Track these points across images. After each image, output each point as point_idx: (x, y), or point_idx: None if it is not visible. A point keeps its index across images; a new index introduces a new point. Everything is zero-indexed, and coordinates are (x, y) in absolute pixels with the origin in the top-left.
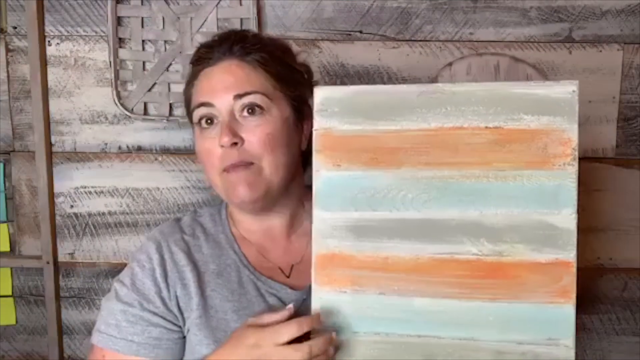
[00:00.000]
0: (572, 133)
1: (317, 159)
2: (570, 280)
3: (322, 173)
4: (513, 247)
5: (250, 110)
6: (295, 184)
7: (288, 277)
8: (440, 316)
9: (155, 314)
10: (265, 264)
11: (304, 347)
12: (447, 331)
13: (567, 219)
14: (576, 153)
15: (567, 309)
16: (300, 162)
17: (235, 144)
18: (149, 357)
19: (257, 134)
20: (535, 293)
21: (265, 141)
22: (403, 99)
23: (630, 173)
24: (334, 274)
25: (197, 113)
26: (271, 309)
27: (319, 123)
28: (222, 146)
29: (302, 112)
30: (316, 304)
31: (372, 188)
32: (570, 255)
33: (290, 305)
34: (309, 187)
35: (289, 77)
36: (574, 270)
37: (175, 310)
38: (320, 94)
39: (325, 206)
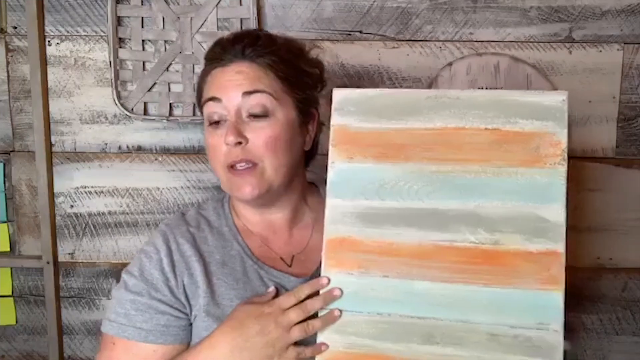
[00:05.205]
0: (562, 136)
1: (332, 152)
2: (559, 269)
3: (336, 165)
4: (507, 237)
5: (255, 116)
6: (296, 181)
7: (290, 266)
8: (439, 299)
9: (163, 302)
10: (267, 254)
11: (304, 305)
12: (444, 313)
13: (556, 212)
14: (565, 154)
15: (557, 296)
16: (302, 160)
17: (240, 143)
18: (157, 343)
19: (261, 136)
20: (527, 280)
21: (268, 143)
22: (412, 102)
23: (630, 173)
24: (343, 257)
25: (207, 108)
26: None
27: (336, 120)
28: (227, 144)
29: (307, 114)
30: None
31: (381, 179)
32: (559, 245)
33: (272, 288)
34: (310, 183)
35: (297, 80)
36: (563, 260)
37: (182, 298)
38: (338, 95)
39: (337, 194)
